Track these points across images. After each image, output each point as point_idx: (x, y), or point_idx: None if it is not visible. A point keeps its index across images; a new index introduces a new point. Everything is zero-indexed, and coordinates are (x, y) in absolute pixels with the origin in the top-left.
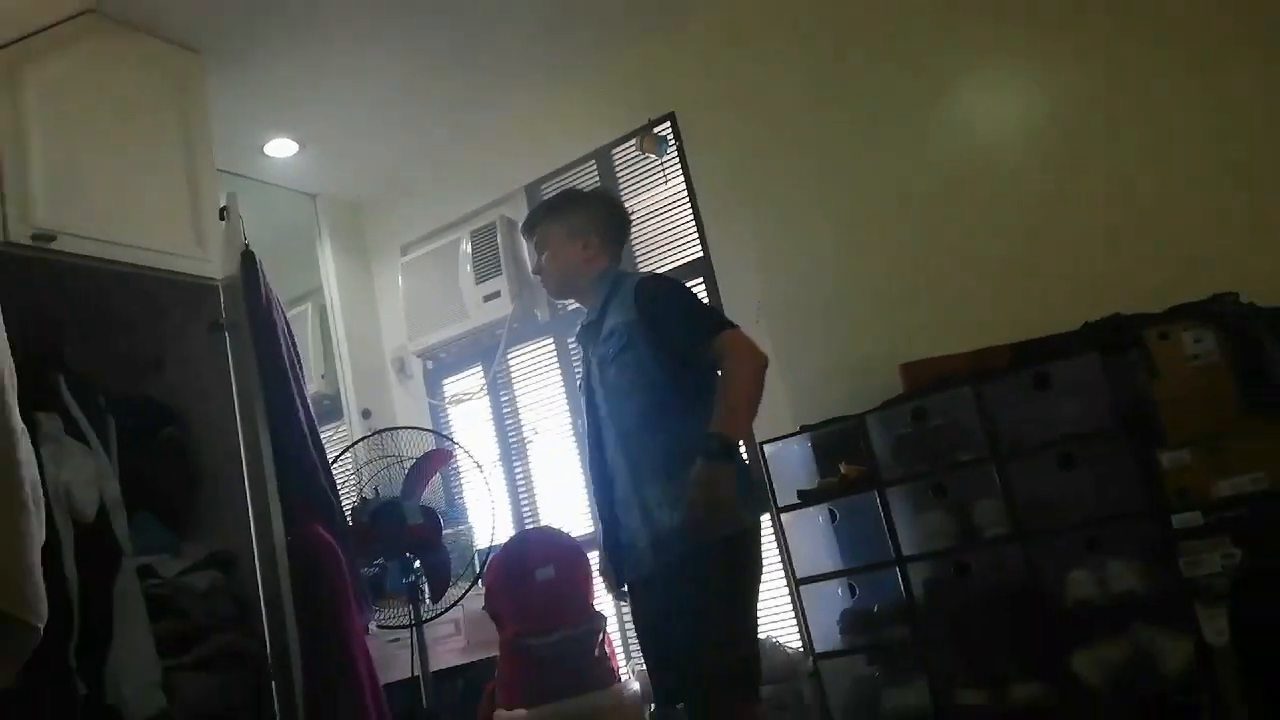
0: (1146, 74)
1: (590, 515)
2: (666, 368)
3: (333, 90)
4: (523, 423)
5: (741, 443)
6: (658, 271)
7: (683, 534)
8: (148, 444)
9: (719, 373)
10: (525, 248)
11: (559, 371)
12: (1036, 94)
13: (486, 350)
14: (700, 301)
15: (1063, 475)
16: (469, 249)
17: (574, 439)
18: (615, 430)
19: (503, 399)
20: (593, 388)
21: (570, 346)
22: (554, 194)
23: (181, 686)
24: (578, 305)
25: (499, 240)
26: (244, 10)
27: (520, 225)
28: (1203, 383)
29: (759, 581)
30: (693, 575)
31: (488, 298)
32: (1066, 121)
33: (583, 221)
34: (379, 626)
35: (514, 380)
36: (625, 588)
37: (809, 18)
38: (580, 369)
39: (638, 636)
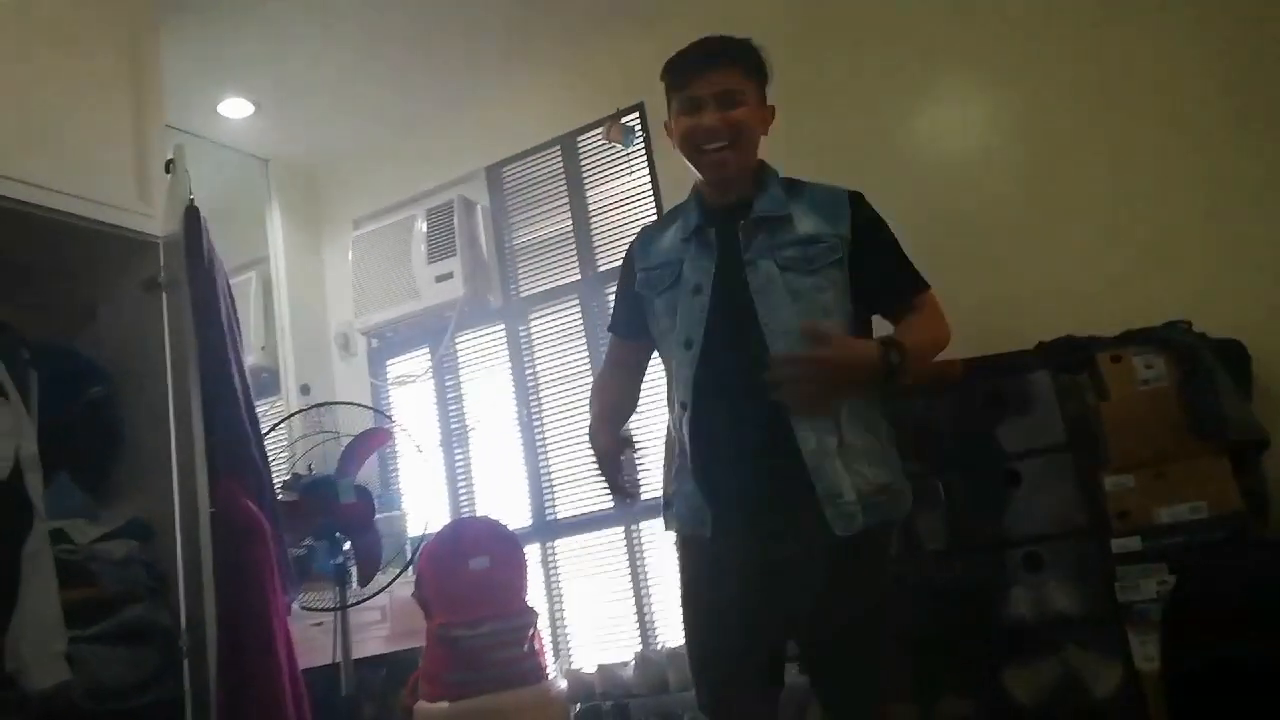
0: (1113, 91)
1: (677, 432)
2: (860, 303)
3: (293, 52)
4: (466, 409)
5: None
6: None
7: (891, 497)
8: (71, 402)
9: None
10: (480, 223)
11: (508, 359)
12: (1002, 105)
13: (434, 333)
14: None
15: (1007, 492)
16: (424, 227)
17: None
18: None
19: (447, 384)
20: (730, 288)
21: (521, 332)
22: (740, 38)
23: (87, 658)
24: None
25: (455, 220)
26: None
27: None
28: (1151, 408)
29: None
30: (877, 551)
31: (440, 278)
32: (1030, 136)
33: (765, 90)
34: (302, 608)
35: (460, 365)
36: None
37: (784, 17)
38: (693, 262)
39: (717, 613)
